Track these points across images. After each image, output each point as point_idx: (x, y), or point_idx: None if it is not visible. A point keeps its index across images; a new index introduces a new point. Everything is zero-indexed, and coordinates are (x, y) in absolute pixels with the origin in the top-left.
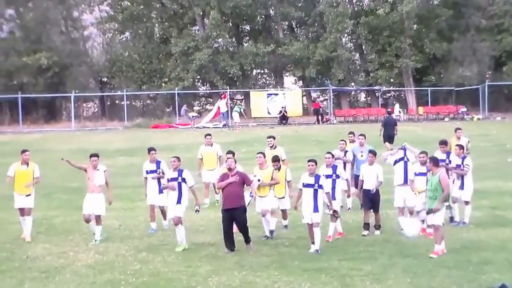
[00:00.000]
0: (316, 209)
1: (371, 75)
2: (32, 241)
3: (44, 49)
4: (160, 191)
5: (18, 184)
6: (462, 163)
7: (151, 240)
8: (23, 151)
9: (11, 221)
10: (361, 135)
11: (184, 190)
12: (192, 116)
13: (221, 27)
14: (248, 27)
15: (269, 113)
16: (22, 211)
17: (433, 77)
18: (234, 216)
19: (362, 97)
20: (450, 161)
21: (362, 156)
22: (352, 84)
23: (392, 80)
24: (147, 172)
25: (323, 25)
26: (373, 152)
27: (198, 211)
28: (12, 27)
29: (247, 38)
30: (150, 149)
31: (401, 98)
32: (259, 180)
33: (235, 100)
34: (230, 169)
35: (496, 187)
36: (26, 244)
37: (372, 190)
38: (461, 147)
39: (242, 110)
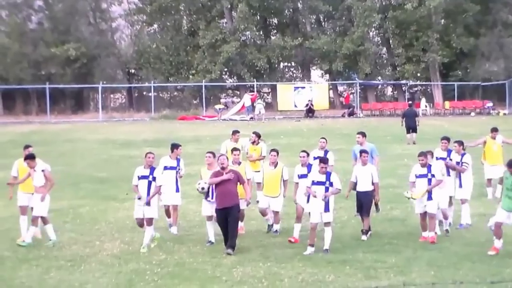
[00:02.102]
0: (327, 209)
1: (397, 69)
2: (59, 230)
3: (72, 40)
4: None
5: (23, 182)
6: (461, 160)
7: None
8: (26, 147)
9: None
10: (359, 133)
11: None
12: (219, 109)
13: (248, 20)
14: (275, 20)
15: (295, 106)
16: (25, 210)
17: (459, 72)
18: (228, 214)
19: (389, 91)
20: (451, 159)
21: None
22: (379, 78)
23: (418, 74)
24: (139, 178)
25: (351, 19)
26: (365, 152)
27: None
28: (41, 18)
29: (275, 31)
30: (146, 153)
31: (427, 93)
32: (203, 189)
33: (261, 93)
34: (223, 168)
35: None
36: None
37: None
38: (460, 143)
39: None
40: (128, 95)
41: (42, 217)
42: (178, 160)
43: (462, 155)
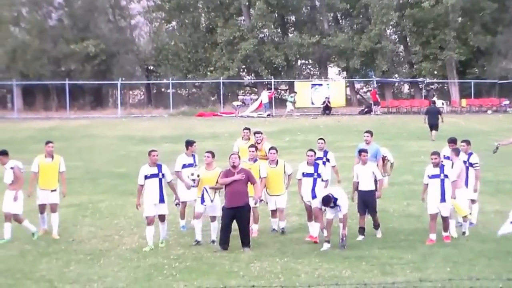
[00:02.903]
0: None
1: (414, 67)
2: (78, 225)
3: (91, 37)
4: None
5: (42, 179)
6: (468, 160)
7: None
8: (47, 143)
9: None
10: (367, 132)
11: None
12: (237, 105)
13: (266, 18)
14: (293, 18)
15: (312, 103)
16: (43, 208)
17: (476, 70)
18: (238, 214)
19: (406, 88)
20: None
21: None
22: (396, 75)
23: (435, 72)
24: (146, 177)
25: (368, 17)
26: (365, 151)
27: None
28: (60, 15)
29: (292, 28)
30: (150, 151)
31: (444, 90)
32: (193, 181)
33: (287, 91)
34: (234, 166)
35: None
36: (72, 227)
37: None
38: (468, 142)
39: (294, 99)
40: (147, 92)
41: (15, 215)
42: (193, 157)
43: (469, 154)
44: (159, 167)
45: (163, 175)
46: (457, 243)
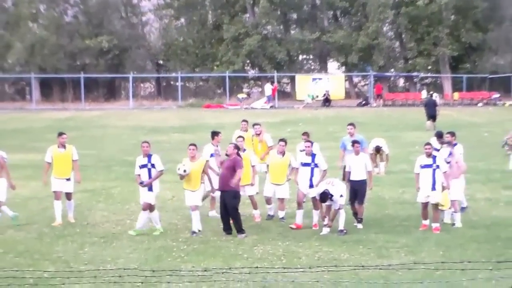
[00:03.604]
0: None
1: (409, 62)
2: (92, 209)
3: (105, 32)
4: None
5: (56, 168)
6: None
7: (201, 210)
8: (60, 134)
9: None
10: (350, 124)
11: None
12: (242, 98)
13: (270, 15)
14: (295, 15)
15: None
16: (58, 195)
17: (468, 65)
18: (225, 199)
19: (401, 82)
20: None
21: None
22: (392, 70)
23: (429, 67)
24: (140, 167)
25: (366, 15)
26: (357, 142)
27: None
28: (76, 12)
29: (294, 25)
30: (142, 142)
31: (437, 84)
32: (185, 171)
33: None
34: (227, 155)
35: None
36: (87, 212)
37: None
38: (452, 134)
39: (314, 97)
40: (157, 85)
41: None
42: (149, 157)
43: (454, 145)
44: (149, 157)
45: (152, 165)
46: (449, 229)
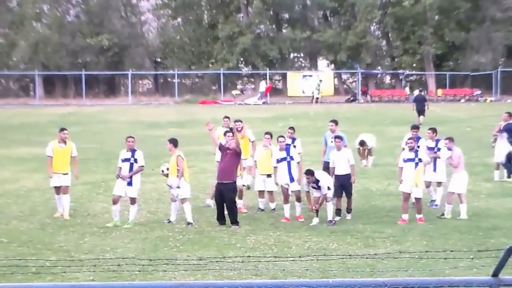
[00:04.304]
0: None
1: (395, 60)
2: (92, 201)
3: (105, 31)
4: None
5: (56, 163)
6: (436, 146)
7: (196, 202)
8: (62, 130)
9: (74, 183)
10: (332, 121)
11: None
12: (235, 94)
13: (262, 15)
14: (287, 15)
15: (303, 92)
16: (58, 190)
17: (451, 63)
18: (223, 190)
19: (387, 79)
20: (419, 146)
21: (332, 142)
22: (379, 67)
23: (414, 65)
24: (122, 161)
25: (354, 15)
26: (339, 137)
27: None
28: (78, 11)
29: (286, 25)
30: (127, 138)
31: (422, 81)
32: (167, 169)
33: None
34: (228, 148)
35: None
36: (87, 203)
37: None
38: (433, 130)
39: (319, 85)
40: (155, 81)
41: None
42: (133, 152)
43: (437, 141)
44: (133, 152)
45: (135, 160)
46: (432, 219)
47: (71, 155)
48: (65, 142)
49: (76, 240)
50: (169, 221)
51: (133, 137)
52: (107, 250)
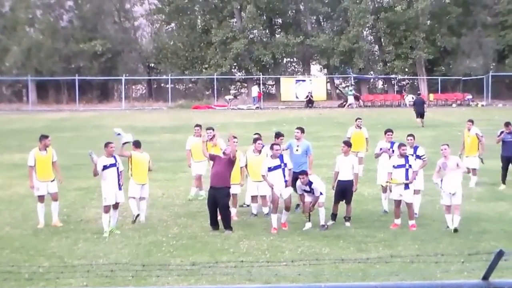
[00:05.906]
0: (320, 193)
1: (388, 65)
2: (86, 206)
3: (99, 37)
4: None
5: (40, 171)
6: (415, 152)
7: (190, 207)
8: (45, 137)
9: (68, 189)
10: (298, 128)
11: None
12: (229, 99)
13: (256, 20)
14: (280, 20)
15: (297, 97)
16: (42, 199)
17: (443, 68)
18: (217, 195)
19: (380, 84)
20: (393, 150)
21: (297, 150)
22: (371, 72)
23: (406, 69)
24: (105, 167)
25: (347, 20)
26: (345, 142)
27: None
28: (71, 17)
29: (279, 30)
30: (106, 143)
31: (414, 86)
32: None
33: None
34: (224, 154)
35: (497, 165)
36: (81, 209)
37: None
38: (413, 137)
39: (354, 92)
40: (148, 86)
41: None
42: (114, 157)
43: (415, 148)
44: (115, 157)
45: (118, 164)
46: (424, 224)
47: (52, 161)
48: (45, 149)
49: (69, 246)
50: (137, 217)
51: (113, 143)
52: (100, 256)
